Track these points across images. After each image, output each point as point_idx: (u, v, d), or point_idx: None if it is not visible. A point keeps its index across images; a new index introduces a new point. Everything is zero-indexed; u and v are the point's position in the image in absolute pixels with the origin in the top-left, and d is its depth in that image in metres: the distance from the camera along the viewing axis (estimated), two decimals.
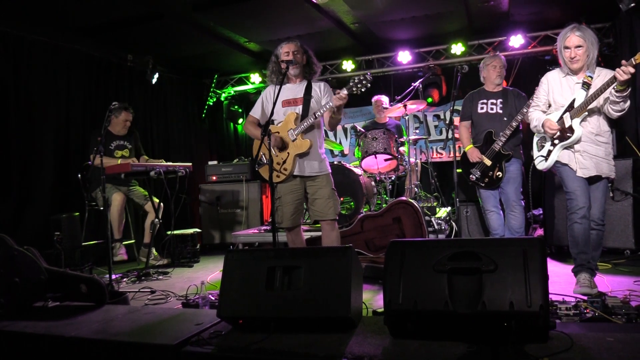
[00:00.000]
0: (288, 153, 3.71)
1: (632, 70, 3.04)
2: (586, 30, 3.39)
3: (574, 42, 3.39)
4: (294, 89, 3.81)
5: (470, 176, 4.47)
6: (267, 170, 3.57)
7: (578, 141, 3.42)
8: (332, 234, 3.81)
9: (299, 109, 3.75)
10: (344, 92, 3.46)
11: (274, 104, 3.54)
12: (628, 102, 3.27)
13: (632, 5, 4.89)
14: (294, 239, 3.91)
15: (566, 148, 3.48)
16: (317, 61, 3.89)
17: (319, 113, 3.61)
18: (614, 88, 3.19)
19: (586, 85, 3.31)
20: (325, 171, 3.82)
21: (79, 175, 5.23)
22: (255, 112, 3.94)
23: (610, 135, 3.51)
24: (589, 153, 3.42)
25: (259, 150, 3.59)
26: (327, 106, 3.58)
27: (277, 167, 3.72)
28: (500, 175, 4.33)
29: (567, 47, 3.43)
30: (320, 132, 3.87)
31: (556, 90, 3.59)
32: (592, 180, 3.46)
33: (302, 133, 3.68)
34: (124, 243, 5.68)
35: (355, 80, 3.46)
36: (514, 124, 4.19)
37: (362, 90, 3.49)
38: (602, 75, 3.35)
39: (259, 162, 3.72)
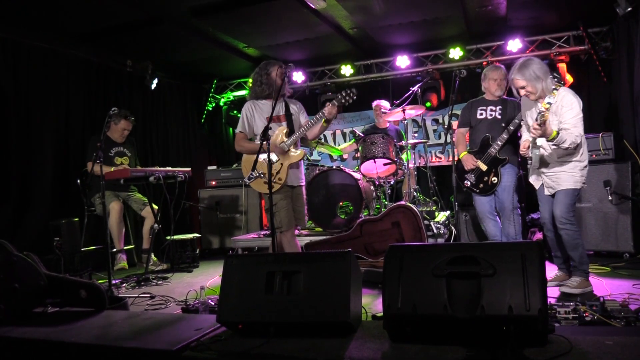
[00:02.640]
0: (281, 164, 3.96)
1: (539, 129, 3.39)
2: (527, 68, 3.60)
3: (517, 84, 3.69)
4: (275, 106, 3.94)
5: (465, 182, 4.46)
6: (260, 183, 3.89)
7: (543, 163, 3.73)
8: (294, 239, 4.07)
9: (284, 124, 4.05)
10: (335, 104, 3.87)
11: (270, 119, 3.78)
12: (568, 145, 3.48)
13: (629, 9, 4.92)
14: (290, 241, 4.03)
15: (535, 171, 3.82)
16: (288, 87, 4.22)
17: (309, 125, 3.96)
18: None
19: (540, 114, 3.44)
20: (303, 181, 4.21)
21: (78, 181, 5.24)
22: (244, 128, 4.11)
23: (580, 148, 3.61)
24: (553, 173, 3.70)
25: (255, 163, 3.69)
26: (318, 116, 3.92)
27: (272, 177, 3.84)
28: (495, 181, 4.32)
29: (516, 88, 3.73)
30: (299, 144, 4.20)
31: (527, 113, 3.87)
32: None
33: (293, 146, 3.99)
34: (124, 264, 5.70)
35: (343, 94, 3.87)
36: (512, 127, 4.21)
37: (350, 102, 3.90)
38: (559, 101, 3.56)
39: (250, 176, 3.85)
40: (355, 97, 3.87)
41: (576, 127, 3.52)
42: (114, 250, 5.42)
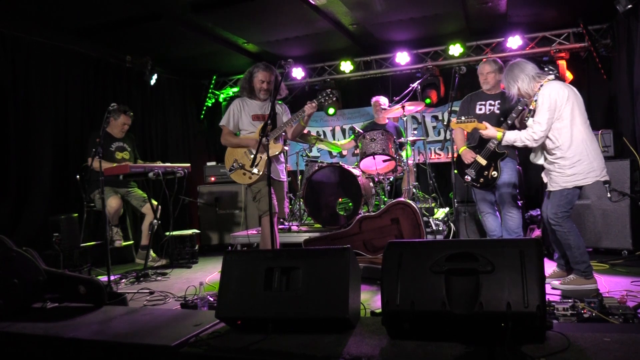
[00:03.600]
0: (260, 157, 4.14)
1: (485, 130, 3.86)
2: (507, 70, 3.79)
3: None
4: (261, 106, 4.39)
5: (466, 177, 4.48)
6: (239, 174, 4.27)
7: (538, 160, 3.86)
8: (271, 226, 4.14)
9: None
10: (315, 103, 4.12)
11: (270, 120, 3.94)
12: (520, 144, 3.68)
13: (630, 6, 4.91)
14: (266, 225, 4.19)
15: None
16: (284, 86, 4.41)
17: (289, 123, 4.22)
18: None
19: (532, 112, 3.63)
20: (284, 178, 4.46)
21: (78, 177, 5.23)
22: (228, 123, 4.37)
23: (568, 149, 3.56)
24: (548, 171, 3.75)
25: (255, 155, 4.04)
26: (299, 114, 4.16)
27: (249, 169, 4.23)
28: (495, 175, 4.33)
29: None
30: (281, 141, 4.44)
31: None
32: None
33: (274, 140, 4.17)
34: (123, 244, 5.69)
35: (324, 94, 4.18)
36: (509, 122, 4.21)
37: (330, 102, 4.29)
38: (538, 100, 3.60)
39: (231, 167, 4.26)
40: (335, 99, 4.14)
41: (539, 123, 3.54)
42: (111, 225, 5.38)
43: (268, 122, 3.82)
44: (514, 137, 3.67)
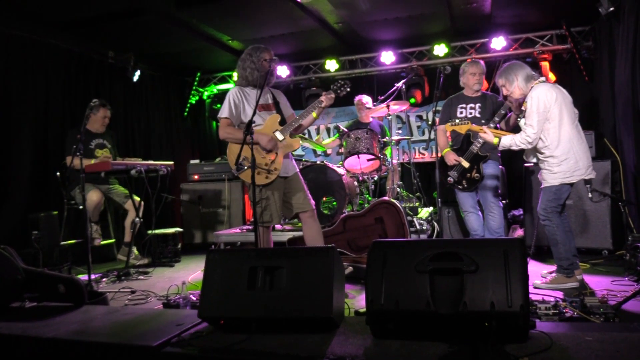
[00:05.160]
0: (276, 153, 3.73)
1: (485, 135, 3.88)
2: (503, 71, 3.89)
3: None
4: (263, 95, 3.81)
5: (448, 179, 4.50)
6: (250, 174, 3.51)
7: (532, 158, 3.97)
8: (315, 224, 3.93)
9: (273, 113, 3.87)
10: (332, 94, 3.75)
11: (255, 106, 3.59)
12: (516, 148, 3.79)
13: (612, 9, 4.98)
14: (267, 237, 3.88)
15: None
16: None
17: (304, 114, 3.79)
18: None
19: (523, 113, 3.79)
20: (296, 170, 3.99)
21: (58, 174, 5.14)
22: (230, 114, 3.78)
23: (556, 148, 3.68)
24: (541, 169, 3.86)
25: (240, 152, 3.48)
26: (315, 105, 3.77)
27: (266, 167, 3.71)
28: (477, 177, 4.37)
29: None
30: None
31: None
32: None
33: (290, 133, 3.80)
34: (102, 243, 5.61)
35: (337, 84, 3.76)
36: (492, 125, 4.24)
37: (344, 92, 3.80)
38: (528, 102, 3.71)
39: (239, 166, 3.56)
40: (349, 88, 3.79)
41: (530, 126, 3.65)
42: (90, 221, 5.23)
43: (252, 120, 3.47)
44: (509, 142, 3.77)
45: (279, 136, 3.76)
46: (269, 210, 3.76)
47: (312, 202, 3.94)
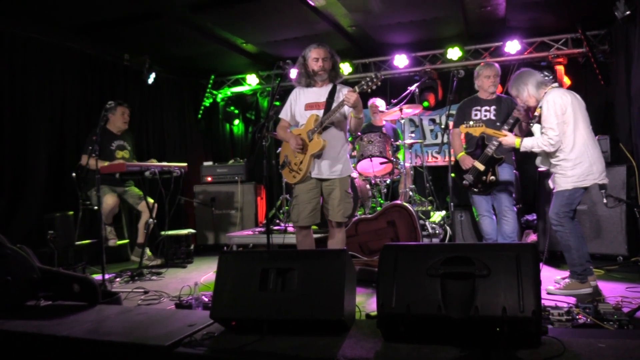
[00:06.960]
0: (304, 153, 3.74)
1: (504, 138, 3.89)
2: (515, 78, 3.92)
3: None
4: (318, 93, 3.82)
5: (464, 182, 4.48)
6: (286, 172, 3.82)
7: (545, 163, 3.93)
8: (338, 235, 3.87)
9: (321, 112, 3.75)
10: (357, 89, 3.54)
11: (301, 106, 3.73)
12: (538, 150, 3.76)
13: (628, 12, 4.93)
14: (304, 240, 3.87)
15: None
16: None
17: (335, 113, 3.64)
18: None
19: (535, 119, 3.83)
20: (340, 174, 3.78)
21: (74, 174, 5.20)
22: (286, 114, 3.91)
23: (570, 151, 3.66)
24: (552, 174, 3.85)
25: (281, 151, 3.68)
26: (338, 104, 3.62)
27: (295, 167, 3.77)
28: (493, 180, 4.34)
29: None
30: (341, 134, 3.86)
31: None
32: None
33: (318, 134, 3.69)
34: (117, 243, 5.66)
35: (367, 79, 3.56)
36: (506, 127, 4.22)
37: (373, 88, 3.59)
38: (544, 107, 3.70)
39: (283, 163, 3.82)
40: (379, 84, 3.59)
41: (551, 129, 3.63)
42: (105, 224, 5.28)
43: (265, 123, 3.65)
44: (531, 144, 3.76)
45: (309, 137, 3.73)
46: (296, 210, 3.78)
47: (345, 212, 3.77)
